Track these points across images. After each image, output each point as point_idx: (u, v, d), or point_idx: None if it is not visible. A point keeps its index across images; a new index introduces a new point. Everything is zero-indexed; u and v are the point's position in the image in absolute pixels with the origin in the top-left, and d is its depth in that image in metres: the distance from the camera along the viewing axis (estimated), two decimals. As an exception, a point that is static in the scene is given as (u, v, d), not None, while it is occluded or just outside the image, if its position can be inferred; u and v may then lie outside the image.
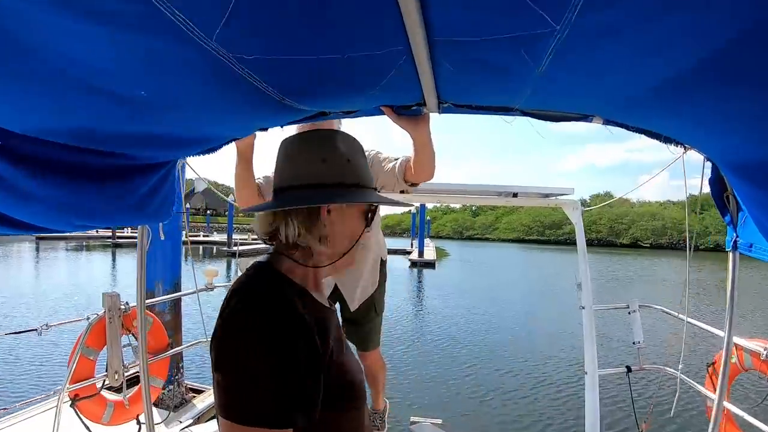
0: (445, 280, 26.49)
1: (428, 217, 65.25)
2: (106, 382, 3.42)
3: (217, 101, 1.19)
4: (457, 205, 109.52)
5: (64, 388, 3.14)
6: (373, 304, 2.96)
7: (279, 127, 1.78)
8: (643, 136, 1.44)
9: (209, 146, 1.81)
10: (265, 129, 1.85)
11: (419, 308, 17.43)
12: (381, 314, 3.02)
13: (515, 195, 3.46)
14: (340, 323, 2.88)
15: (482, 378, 9.10)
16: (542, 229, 79.90)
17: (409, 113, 1.74)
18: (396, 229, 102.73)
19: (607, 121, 1.45)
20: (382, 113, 1.71)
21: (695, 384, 3.15)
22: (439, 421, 3.64)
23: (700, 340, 8.14)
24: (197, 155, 1.90)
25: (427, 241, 45.25)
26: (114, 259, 30.32)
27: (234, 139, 1.86)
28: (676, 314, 3.31)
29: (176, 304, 6.02)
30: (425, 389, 8.47)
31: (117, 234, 40.25)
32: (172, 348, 4.24)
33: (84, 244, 37.80)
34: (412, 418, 3.72)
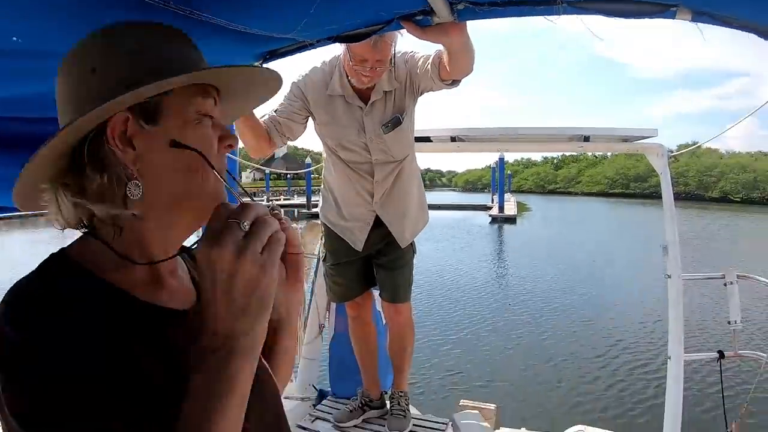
0: (525, 237, 25.66)
1: (509, 172, 63.91)
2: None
3: None
4: (539, 158, 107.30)
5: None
6: (412, 241, 2.67)
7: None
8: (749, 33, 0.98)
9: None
10: None
11: (494, 268, 16.85)
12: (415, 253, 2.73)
13: (587, 139, 3.03)
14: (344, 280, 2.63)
15: (549, 354, 8.15)
16: (627, 182, 75.87)
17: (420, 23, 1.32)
18: (477, 185, 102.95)
19: (698, 14, 0.98)
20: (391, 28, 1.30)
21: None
22: (493, 407, 3.20)
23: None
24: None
25: (508, 195, 44.70)
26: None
27: None
28: None
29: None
30: (482, 364, 7.79)
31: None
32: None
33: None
34: (462, 402, 3.32)
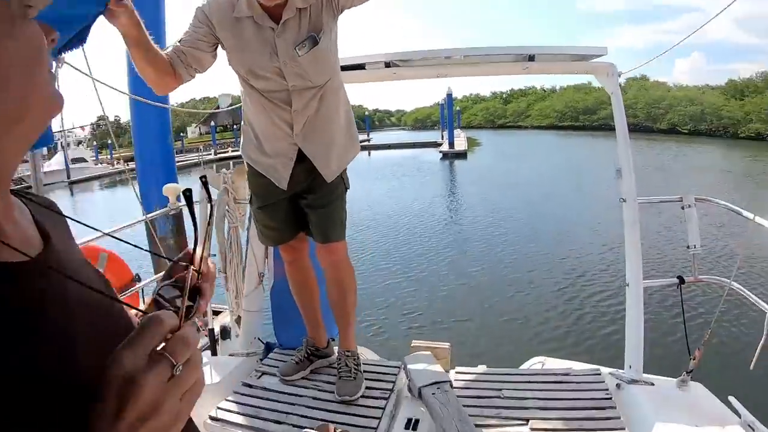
0: (476, 171, 25.91)
1: (457, 108, 63.89)
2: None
3: None
4: (487, 93, 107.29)
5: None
6: (341, 174, 2.41)
7: None
8: None
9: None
10: None
11: (447, 204, 16.92)
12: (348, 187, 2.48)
13: (532, 58, 2.83)
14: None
15: (509, 289, 8.21)
16: (576, 114, 75.87)
17: None
18: (426, 123, 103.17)
19: None
20: None
21: (763, 304, 2.26)
22: (447, 345, 3.08)
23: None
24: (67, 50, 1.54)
25: (458, 131, 44.90)
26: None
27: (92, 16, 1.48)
28: (742, 212, 2.46)
29: (178, 226, 5.65)
30: (441, 303, 7.77)
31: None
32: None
33: (117, 179, 36.15)
34: (413, 343, 3.19)
